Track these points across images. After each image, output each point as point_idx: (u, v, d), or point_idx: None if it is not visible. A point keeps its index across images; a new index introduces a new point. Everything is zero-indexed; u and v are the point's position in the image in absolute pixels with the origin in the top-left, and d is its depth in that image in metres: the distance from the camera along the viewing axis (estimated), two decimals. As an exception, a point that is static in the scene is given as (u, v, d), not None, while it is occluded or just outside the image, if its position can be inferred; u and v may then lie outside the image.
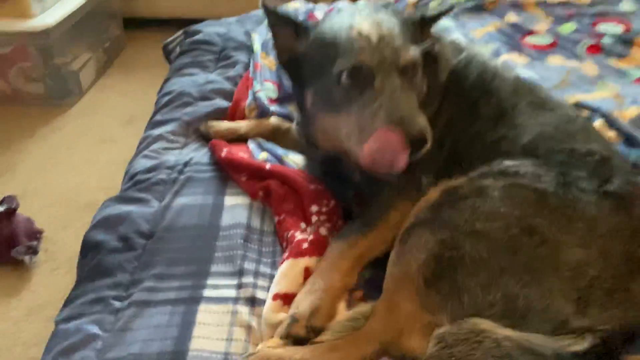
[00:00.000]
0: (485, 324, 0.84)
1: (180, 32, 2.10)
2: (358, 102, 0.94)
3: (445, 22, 1.93)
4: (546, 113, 1.06)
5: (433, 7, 2.10)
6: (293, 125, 1.40)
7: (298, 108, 1.17)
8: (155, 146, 1.45)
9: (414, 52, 0.98)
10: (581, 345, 0.84)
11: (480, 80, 1.12)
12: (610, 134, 1.35)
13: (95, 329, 0.93)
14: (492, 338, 0.83)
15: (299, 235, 1.06)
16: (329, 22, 1.04)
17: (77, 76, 3.03)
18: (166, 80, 1.82)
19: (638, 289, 0.88)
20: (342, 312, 0.95)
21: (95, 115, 2.96)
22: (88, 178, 2.47)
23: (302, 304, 0.94)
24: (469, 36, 1.92)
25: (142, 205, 1.21)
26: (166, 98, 1.66)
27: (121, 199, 1.26)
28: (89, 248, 1.14)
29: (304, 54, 1.04)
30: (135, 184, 1.31)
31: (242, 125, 1.49)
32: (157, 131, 1.52)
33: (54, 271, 1.97)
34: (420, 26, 1.07)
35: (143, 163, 1.38)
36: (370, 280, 1.04)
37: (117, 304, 0.98)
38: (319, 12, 2.09)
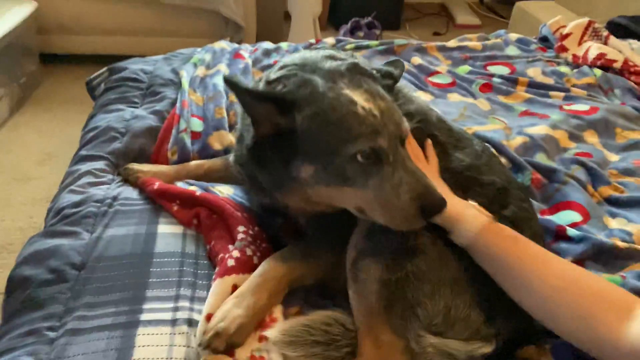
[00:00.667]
0: (420, 331, 0.96)
1: (104, 69, 2.11)
2: (375, 177, 0.95)
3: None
4: (460, 151, 1.20)
5: (350, 48, 2.30)
6: (231, 157, 1.33)
7: (269, 171, 1.08)
8: (82, 181, 1.44)
9: (407, 123, 1.03)
10: (488, 347, 0.99)
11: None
12: (501, 160, 1.56)
13: (29, 360, 0.93)
14: (420, 344, 0.95)
15: (226, 256, 1.12)
16: (320, 94, 0.97)
17: (-10, 112, 2.90)
18: (92, 117, 1.82)
19: None
20: (295, 319, 1.01)
21: (8, 153, 2.84)
22: (2, 219, 2.36)
23: (228, 316, 0.98)
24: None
25: (72, 238, 1.22)
26: (92, 133, 1.65)
27: (49, 233, 1.25)
28: (15, 285, 1.12)
29: (299, 129, 0.97)
30: (63, 218, 1.30)
31: (165, 170, 1.49)
32: (83, 166, 1.51)
33: (-34, 317, 1.85)
34: (390, 89, 1.11)
35: (69, 198, 1.37)
36: (306, 297, 1.12)
37: (51, 334, 0.98)
38: (244, 51, 2.20)
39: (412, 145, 1.12)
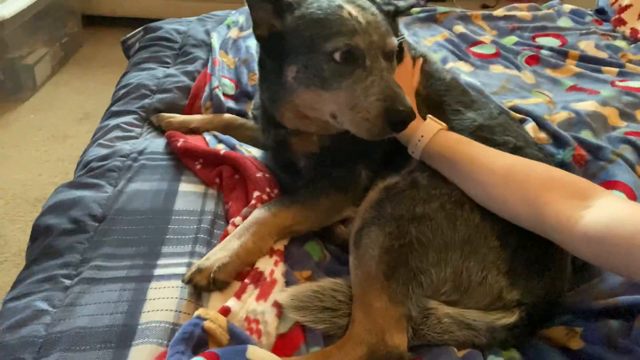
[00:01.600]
0: (431, 302, 0.93)
1: (140, 29, 2.11)
2: (349, 79, 0.99)
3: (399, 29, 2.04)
4: (472, 111, 1.18)
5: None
6: (249, 115, 1.44)
7: (266, 83, 1.17)
8: (110, 135, 1.47)
9: (395, 41, 1.06)
10: (510, 318, 0.94)
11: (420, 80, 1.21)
12: (542, 135, 1.46)
13: (44, 305, 0.94)
14: (435, 315, 0.92)
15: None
16: (314, 0, 1.06)
17: (32, 71, 2.98)
18: (124, 74, 1.83)
19: (552, 259, 0.98)
20: (305, 284, 0.98)
21: (48, 111, 2.92)
22: (39, 174, 2.43)
23: (212, 257, 0.99)
24: (421, 44, 2.02)
25: (95, 190, 1.23)
26: (123, 90, 1.67)
27: (74, 184, 1.26)
28: (38, 233, 1.14)
29: (288, 29, 1.05)
30: (89, 171, 1.31)
31: (194, 119, 1.53)
32: (113, 122, 1.53)
33: (1, 264, 1.93)
34: (393, 17, 1.16)
35: (97, 151, 1.39)
36: (319, 264, 1.10)
37: (66, 281, 0.99)
38: None
39: (403, 68, 1.12)
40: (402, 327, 0.91)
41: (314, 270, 1.07)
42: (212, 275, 0.96)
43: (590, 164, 1.40)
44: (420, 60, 1.21)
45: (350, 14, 1.02)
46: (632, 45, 2.06)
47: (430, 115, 1.10)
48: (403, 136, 1.09)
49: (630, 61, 1.94)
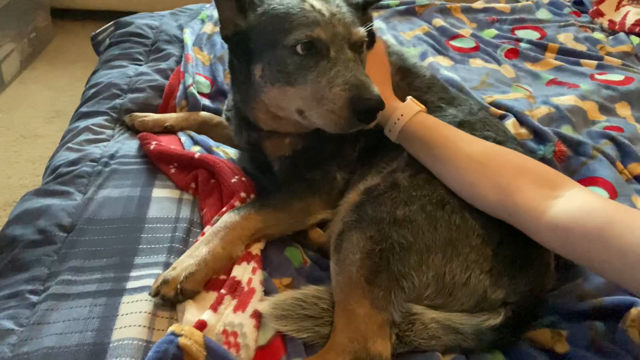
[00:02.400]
0: (416, 307, 0.91)
1: (110, 24, 2.03)
2: (313, 72, 0.97)
3: (377, 23, 2.00)
4: (453, 108, 1.17)
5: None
6: (222, 116, 1.40)
7: (237, 84, 1.16)
8: (80, 138, 1.41)
9: (362, 30, 1.04)
10: (496, 319, 0.93)
11: (397, 76, 1.18)
12: (522, 131, 1.45)
13: (9, 324, 0.89)
14: (420, 320, 0.90)
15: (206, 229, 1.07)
16: None
17: (-1, 68, 2.86)
18: (94, 72, 1.76)
19: (534, 255, 0.97)
20: (287, 292, 0.95)
21: (17, 109, 2.81)
22: (8, 176, 2.34)
23: (179, 267, 0.96)
24: (400, 38, 1.99)
25: (64, 198, 1.17)
26: (93, 90, 1.61)
27: (41, 192, 1.20)
28: (3, 244, 1.07)
29: (252, 27, 1.05)
30: (57, 177, 1.26)
31: (169, 117, 1.48)
32: (82, 123, 1.47)
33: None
34: (362, 8, 1.13)
35: (66, 155, 1.33)
36: (299, 269, 1.07)
37: (33, 298, 0.94)
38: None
39: (374, 56, 1.11)
40: (385, 333, 0.88)
41: (294, 276, 1.04)
42: (179, 286, 0.93)
43: (571, 159, 1.39)
44: (381, 45, 1.19)
45: (312, 6, 1.01)
46: (610, 37, 2.06)
47: (410, 97, 1.09)
48: (381, 117, 1.05)
49: (608, 54, 1.94)
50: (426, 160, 1.03)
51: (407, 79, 1.21)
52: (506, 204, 0.90)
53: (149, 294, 0.93)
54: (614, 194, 1.28)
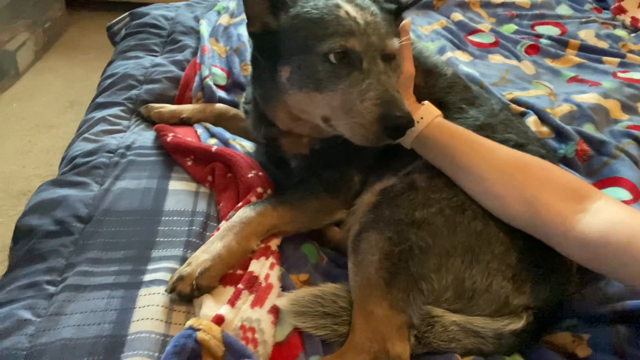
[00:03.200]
0: (436, 310, 0.90)
1: (126, 14, 2.03)
2: (345, 81, 0.95)
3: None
4: (475, 109, 1.14)
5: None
6: (240, 109, 1.39)
7: (259, 81, 1.13)
8: (96, 129, 1.40)
9: (396, 43, 1.01)
10: (518, 323, 0.91)
11: (419, 76, 1.16)
12: (544, 129, 1.43)
13: (27, 314, 0.89)
14: (440, 323, 0.89)
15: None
16: None
17: (14, 57, 2.87)
18: (110, 63, 1.76)
19: (558, 261, 0.95)
20: (305, 289, 0.94)
21: (32, 99, 2.82)
22: (23, 166, 2.35)
23: (194, 262, 0.95)
24: (417, 32, 1.97)
25: (81, 189, 1.17)
26: (109, 80, 1.61)
27: (58, 182, 1.20)
28: (21, 234, 1.08)
29: (283, 28, 1.01)
30: (74, 168, 1.26)
31: (185, 108, 1.47)
32: (98, 114, 1.47)
33: (-16, 261, 1.87)
34: (395, 14, 1.11)
35: (83, 146, 1.33)
36: (316, 266, 1.06)
37: (51, 288, 0.94)
38: None
39: (404, 71, 1.07)
40: (404, 335, 0.87)
41: (311, 273, 1.03)
42: (194, 282, 0.92)
43: (593, 159, 1.37)
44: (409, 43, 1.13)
45: (347, 13, 0.98)
46: (633, 35, 2.02)
47: (427, 102, 1.05)
48: None
49: (631, 51, 1.90)
50: (446, 167, 0.99)
51: (429, 79, 1.18)
52: (533, 218, 0.88)
53: (165, 291, 0.93)
54: (637, 195, 1.25)
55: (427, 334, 0.89)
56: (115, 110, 1.48)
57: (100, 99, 1.55)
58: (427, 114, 1.03)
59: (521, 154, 0.98)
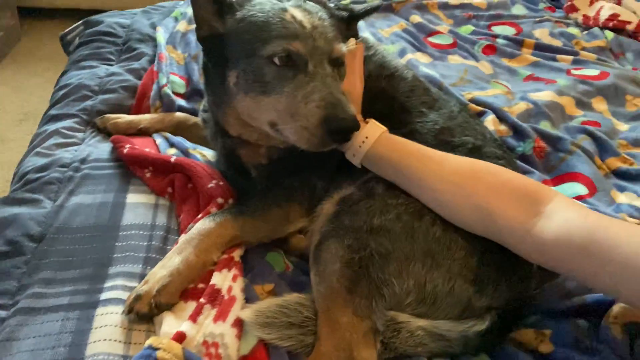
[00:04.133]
0: (402, 316, 0.90)
1: (80, 23, 1.96)
2: (290, 84, 0.94)
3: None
4: (435, 112, 1.15)
5: (345, 3, 2.15)
6: (199, 119, 1.36)
7: (210, 87, 1.13)
8: (49, 142, 1.35)
9: (344, 47, 1.01)
10: (482, 324, 0.92)
11: (378, 77, 1.16)
12: (502, 127, 1.45)
13: (-25, 342, 0.85)
14: (407, 328, 0.89)
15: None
16: (257, 2, 1.02)
17: (-38, 69, 2.75)
18: (63, 73, 1.70)
19: (518, 260, 0.96)
20: (269, 300, 0.93)
21: (-16, 112, 2.71)
22: (-25, 181, 2.25)
23: (151, 279, 0.93)
24: (378, 35, 1.98)
25: (32, 207, 1.12)
26: (62, 91, 1.55)
27: (8, 200, 1.15)
28: (-30, 256, 1.03)
29: (229, 32, 1.01)
30: (25, 184, 1.21)
31: (143, 118, 1.44)
32: (51, 127, 1.41)
33: None
34: (347, 22, 1.10)
35: (35, 161, 1.28)
36: (282, 275, 1.04)
37: (2, 313, 0.90)
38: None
39: (355, 89, 1.07)
40: (370, 340, 0.87)
41: (276, 282, 1.01)
42: (152, 300, 0.89)
43: (550, 155, 1.40)
44: (362, 47, 1.13)
45: (294, 17, 0.98)
46: (585, 33, 2.08)
47: (372, 119, 1.04)
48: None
49: (584, 49, 1.96)
50: (398, 182, 0.99)
51: (391, 83, 1.18)
52: (488, 225, 0.90)
53: (123, 312, 0.90)
54: (593, 189, 1.29)
55: (393, 340, 0.88)
56: (69, 123, 1.43)
57: (53, 111, 1.50)
58: (371, 132, 1.01)
59: (470, 161, 0.99)
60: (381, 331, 0.87)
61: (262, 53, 0.95)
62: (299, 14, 0.99)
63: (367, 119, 1.04)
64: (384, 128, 1.03)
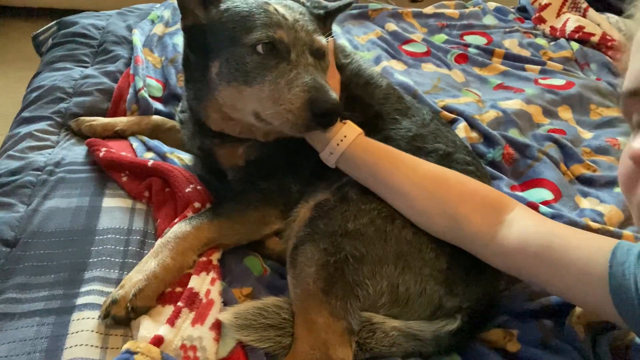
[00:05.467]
0: (376, 317, 0.93)
1: (53, 23, 1.93)
2: (273, 72, 0.97)
3: (332, 27, 2.01)
4: (408, 119, 1.19)
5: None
6: (176, 119, 1.37)
7: (191, 81, 1.13)
8: (22, 145, 1.33)
9: (324, 40, 1.05)
10: (453, 324, 0.96)
11: (353, 85, 1.19)
12: (473, 134, 1.50)
13: (-53, 350, 0.83)
14: (381, 329, 0.91)
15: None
16: None
17: None
18: (36, 75, 1.67)
19: (486, 263, 1.00)
20: (248, 302, 0.94)
21: (-49, 112, 2.62)
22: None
23: (127, 284, 0.92)
24: (354, 42, 2.01)
25: (6, 211, 1.10)
26: (35, 93, 1.53)
27: (-20, 204, 1.13)
28: (-59, 261, 1.01)
29: (212, 22, 1.04)
30: (-2, 188, 1.19)
31: (119, 121, 1.43)
32: (24, 129, 1.39)
33: None
34: (323, 19, 1.14)
35: (7, 164, 1.25)
36: (260, 279, 1.05)
37: (-26, 319, 0.89)
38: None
39: (331, 71, 1.10)
40: (346, 340, 0.89)
41: (254, 286, 1.02)
42: (129, 304, 0.89)
43: (519, 162, 1.46)
44: (332, 42, 1.15)
45: (276, 10, 1.02)
46: (552, 43, 2.16)
47: (349, 121, 1.07)
48: (319, 141, 1.05)
49: (551, 59, 2.04)
50: (371, 185, 1.02)
51: (367, 90, 1.21)
52: (455, 231, 0.95)
53: (99, 317, 0.89)
54: (558, 195, 1.35)
55: (368, 340, 0.91)
56: (42, 125, 1.41)
57: (25, 113, 1.47)
58: (349, 132, 1.04)
59: (442, 169, 1.03)
60: (356, 331, 0.90)
61: (245, 41, 0.98)
62: (281, 8, 1.03)
63: (344, 120, 1.06)
64: (360, 130, 1.06)
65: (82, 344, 0.85)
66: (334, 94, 0.95)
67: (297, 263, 0.94)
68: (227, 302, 0.96)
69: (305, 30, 1.02)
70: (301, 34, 1.01)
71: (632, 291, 0.74)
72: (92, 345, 0.85)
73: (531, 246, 0.86)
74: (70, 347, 0.84)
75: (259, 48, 0.98)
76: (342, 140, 1.03)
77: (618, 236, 1.17)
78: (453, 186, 0.98)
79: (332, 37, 1.16)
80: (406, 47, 2.02)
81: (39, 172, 1.22)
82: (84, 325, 0.88)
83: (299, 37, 1.00)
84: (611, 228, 1.20)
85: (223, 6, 1.05)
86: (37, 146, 1.34)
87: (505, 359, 0.94)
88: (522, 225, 0.89)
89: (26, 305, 0.91)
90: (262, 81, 0.97)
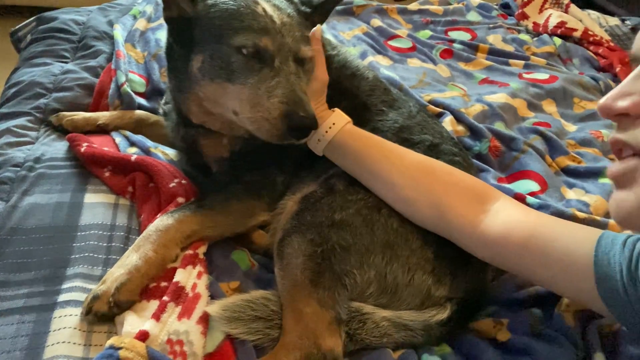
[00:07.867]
0: (366, 307, 0.92)
1: (32, 19, 1.89)
2: (255, 76, 0.96)
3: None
4: (394, 111, 1.19)
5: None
6: (160, 110, 1.35)
7: (173, 72, 1.12)
8: (0, 142, 1.29)
9: (310, 50, 1.04)
10: (443, 314, 0.96)
11: (340, 77, 1.18)
12: (459, 128, 1.50)
13: None
14: (372, 319, 0.91)
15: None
16: None
17: None
18: (15, 70, 1.63)
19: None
20: (236, 295, 0.93)
21: None
22: None
23: (109, 279, 0.91)
24: (340, 37, 2.00)
25: (-16, 207, 1.07)
26: (14, 89, 1.48)
27: (-43, 201, 1.10)
28: None
29: (199, 16, 1.02)
30: (-25, 185, 1.15)
31: (102, 115, 1.40)
32: (3, 125, 1.35)
33: None
34: (311, 15, 1.12)
35: (-15, 161, 1.22)
36: (247, 273, 1.04)
37: (-49, 318, 0.85)
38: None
39: (318, 77, 1.08)
40: (335, 330, 0.88)
41: (242, 280, 1.01)
42: (111, 299, 0.87)
43: (505, 154, 1.46)
44: (319, 30, 1.13)
45: (265, 10, 1.00)
46: (535, 39, 2.18)
47: (337, 109, 1.07)
48: None
49: (534, 54, 2.06)
50: (358, 174, 1.02)
51: (353, 82, 1.20)
52: (440, 221, 0.95)
53: (81, 314, 0.87)
54: (544, 186, 1.35)
55: (359, 331, 0.90)
56: (21, 121, 1.37)
57: (4, 109, 1.43)
58: (338, 120, 1.04)
59: (429, 159, 1.03)
60: (345, 320, 0.89)
61: (231, 42, 0.97)
62: (269, 8, 1.01)
63: (333, 109, 1.06)
64: (348, 119, 1.06)
65: (64, 342, 0.82)
66: (312, 109, 0.95)
67: (284, 254, 0.94)
68: (214, 296, 0.94)
69: (292, 36, 1.01)
70: (287, 39, 0.99)
71: (617, 280, 0.74)
72: (74, 343, 0.82)
73: (515, 236, 0.86)
74: (52, 344, 0.82)
75: (244, 50, 0.97)
76: (330, 128, 1.03)
77: (604, 225, 1.18)
78: (439, 176, 0.98)
79: (320, 45, 1.14)
80: (392, 43, 2.02)
81: (18, 168, 1.19)
82: (66, 322, 0.85)
83: (284, 43, 0.99)
84: (598, 217, 1.22)
85: (210, 1, 1.02)
86: (16, 142, 1.31)
87: (496, 348, 0.94)
88: (506, 215, 0.90)
89: (5, 303, 0.88)
90: (243, 82, 0.97)
